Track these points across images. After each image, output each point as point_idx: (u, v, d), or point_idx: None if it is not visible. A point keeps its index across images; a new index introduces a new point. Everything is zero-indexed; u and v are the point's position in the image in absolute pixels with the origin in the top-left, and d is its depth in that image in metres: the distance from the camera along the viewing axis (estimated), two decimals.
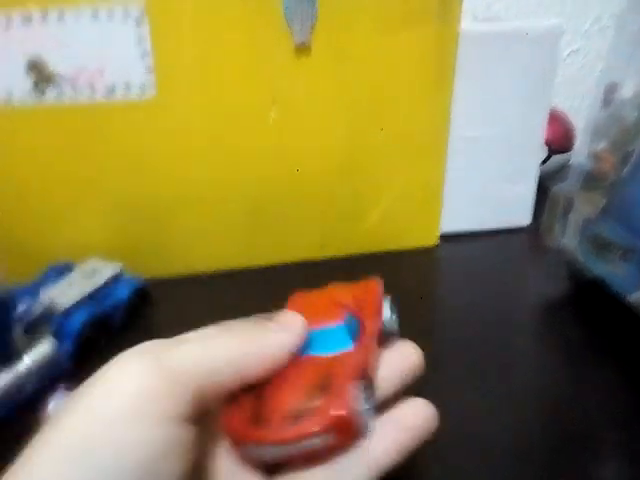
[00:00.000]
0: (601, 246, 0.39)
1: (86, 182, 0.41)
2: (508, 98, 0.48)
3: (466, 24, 0.44)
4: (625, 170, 0.41)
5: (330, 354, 0.20)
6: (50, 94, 0.38)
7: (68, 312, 0.35)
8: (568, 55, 0.68)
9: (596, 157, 0.43)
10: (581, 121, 0.67)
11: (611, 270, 0.38)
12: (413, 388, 0.30)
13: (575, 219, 0.42)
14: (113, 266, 0.39)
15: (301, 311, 0.22)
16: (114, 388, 0.16)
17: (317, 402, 0.18)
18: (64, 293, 0.36)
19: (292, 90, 0.41)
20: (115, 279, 0.39)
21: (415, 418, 0.19)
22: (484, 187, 0.52)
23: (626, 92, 0.47)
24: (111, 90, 0.38)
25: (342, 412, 0.17)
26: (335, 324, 0.22)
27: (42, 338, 0.33)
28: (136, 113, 0.39)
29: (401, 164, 0.46)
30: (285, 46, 0.39)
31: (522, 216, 0.54)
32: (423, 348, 0.34)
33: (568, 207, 0.43)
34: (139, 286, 0.40)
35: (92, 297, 0.37)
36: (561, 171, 0.63)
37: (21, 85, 0.37)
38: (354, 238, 0.48)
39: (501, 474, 0.27)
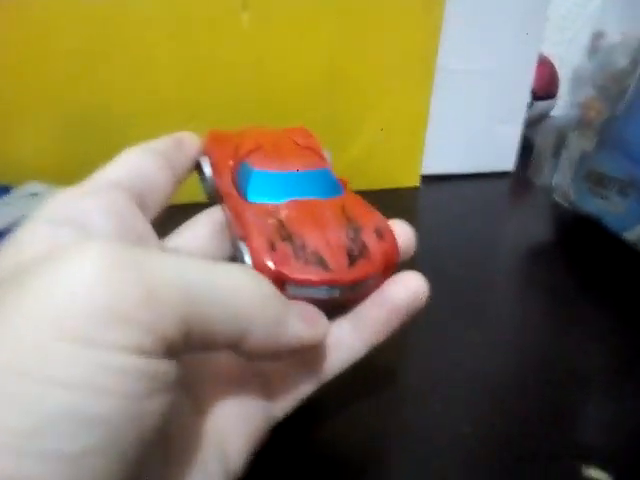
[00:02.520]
0: (597, 182, 0.37)
1: (29, 86, 0.35)
2: (499, 30, 0.45)
3: None
4: (620, 106, 0.39)
5: (331, 198, 0.20)
6: None
7: (2, 233, 0.30)
8: None
9: (582, 105, 0.41)
10: (565, 69, 0.66)
11: (607, 207, 0.36)
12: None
13: (569, 155, 0.39)
14: (58, 190, 0.34)
15: (264, 151, 0.21)
16: (69, 290, 0.10)
17: (366, 243, 0.18)
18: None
19: None
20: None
21: (404, 292, 0.18)
22: (469, 126, 0.49)
23: (613, 39, 0.45)
24: None
25: (397, 254, 0.18)
26: (322, 167, 0.21)
27: None
28: (92, 5, 0.34)
29: (385, 92, 0.42)
30: None
31: (506, 160, 0.52)
32: None
33: (560, 144, 0.41)
34: None
35: None
36: (542, 120, 0.60)
37: None
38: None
39: (485, 404, 0.26)
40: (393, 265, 0.18)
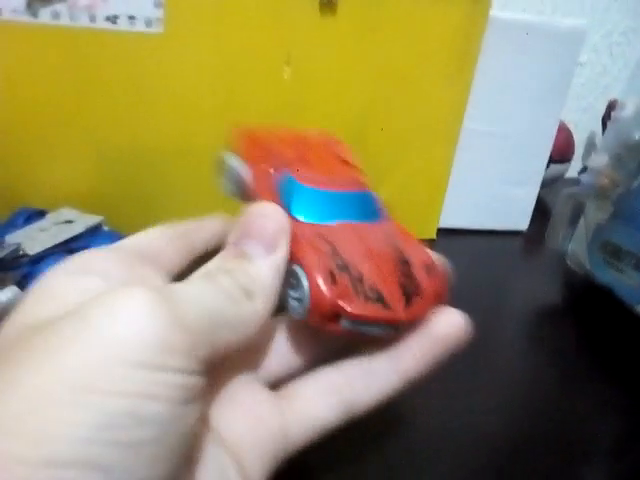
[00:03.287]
0: (612, 254, 0.38)
1: (71, 120, 0.37)
2: (523, 96, 0.47)
3: (494, 11, 0.42)
4: (635, 180, 0.40)
5: (376, 223, 0.19)
6: (44, 16, 0.33)
7: (37, 259, 0.31)
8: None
9: (596, 172, 0.43)
10: (580, 134, 0.68)
11: (621, 279, 0.37)
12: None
13: (586, 224, 0.40)
14: (92, 217, 0.35)
15: (309, 164, 0.20)
16: (126, 326, 0.13)
17: (419, 280, 0.18)
18: (34, 239, 0.32)
19: (310, 50, 0.38)
20: (93, 230, 0.34)
21: (446, 328, 0.18)
22: (487, 185, 0.50)
23: (628, 109, 0.47)
24: (112, 21, 0.34)
25: (446, 290, 0.18)
26: (368, 189, 0.20)
27: (4, 286, 0.29)
28: (138, 49, 0.35)
29: (411, 148, 0.44)
30: (309, 1, 0.36)
31: (521, 220, 0.53)
32: None
33: (577, 212, 0.42)
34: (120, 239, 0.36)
35: (67, 247, 0.32)
36: (557, 181, 0.62)
37: (14, 1, 0.32)
38: None
39: (490, 471, 0.26)
40: (443, 302, 0.18)
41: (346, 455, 0.25)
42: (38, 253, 0.31)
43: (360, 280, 0.17)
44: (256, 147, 0.22)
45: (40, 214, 0.36)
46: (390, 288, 0.17)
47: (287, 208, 0.19)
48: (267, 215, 0.18)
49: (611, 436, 0.29)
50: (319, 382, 0.18)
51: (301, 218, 0.18)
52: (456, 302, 0.39)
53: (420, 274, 0.18)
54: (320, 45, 0.38)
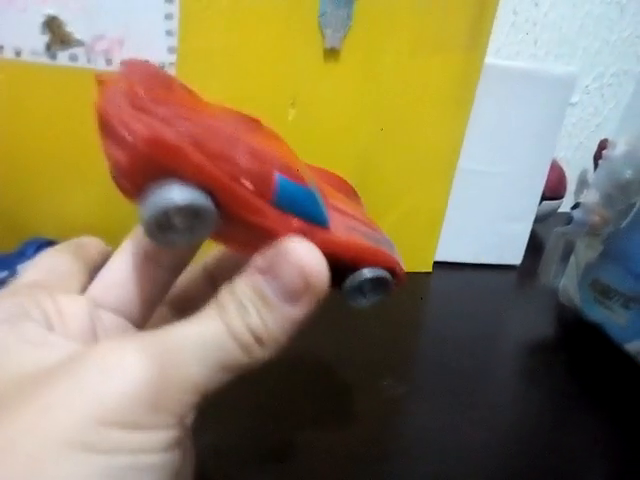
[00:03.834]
0: (602, 292, 0.39)
1: (84, 155, 0.38)
2: (517, 137, 0.49)
3: (488, 58, 0.44)
4: (626, 221, 0.41)
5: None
6: (62, 58, 0.35)
7: None
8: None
9: (589, 210, 0.44)
10: (572, 172, 0.70)
11: (610, 317, 0.38)
12: (392, 412, 0.29)
13: (577, 262, 0.42)
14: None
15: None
16: (112, 382, 0.13)
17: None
18: None
19: (314, 93, 0.40)
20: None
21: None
22: (482, 222, 0.52)
23: (619, 149, 0.48)
24: None
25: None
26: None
27: None
28: None
29: (409, 186, 0.46)
30: (314, 48, 0.38)
31: (514, 255, 0.54)
32: (406, 375, 0.33)
33: (568, 250, 0.44)
34: None
35: None
36: (549, 217, 0.64)
37: (33, 42, 0.34)
38: None
39: None
40: None
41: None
42: None
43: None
44: None
45: (50, 244, 0.37)
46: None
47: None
48: (302, 260, 0.15)
49: (598, 470, 0.30)
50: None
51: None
52: (452, 335, 0.41)
53: None
54: (324, 89, 0.40)
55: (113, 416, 0.13)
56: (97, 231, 0.38)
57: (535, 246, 0.56)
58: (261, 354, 0.15)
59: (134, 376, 0.13)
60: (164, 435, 0.14)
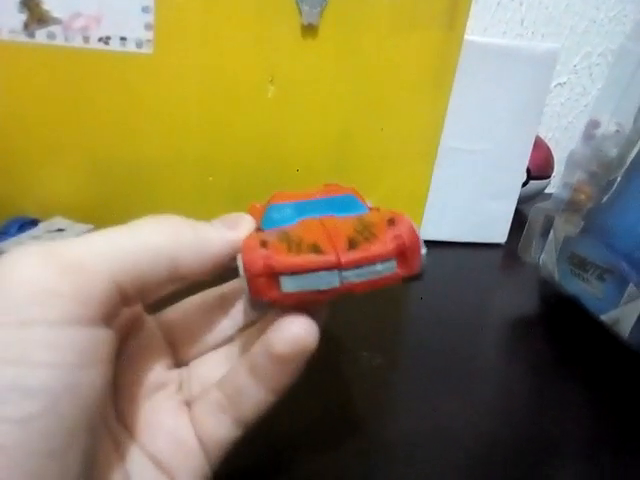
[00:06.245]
0: (579, 265, 0.39)
1: (65, 134, 0.39)
2: (499, 115, 0.49)
3: (469, 35, 0.44)
4: (606, 197, 0.42)
5: (350, 215, 0.18)
6: (40, 37, 0.35)
7: None
8: (554, 87, 0.71)
9: (573, 188, 0.45)
10: (560, 152, 0.70)
11: (586, 289, 0.38)
12: (377, 391, 0.29)
13: (555, 237, 0.42)
14: (82, 226, 0.37)
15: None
16: (4, 288, 0.12)
17: (373, 231, 0.16)
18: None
19: (293, 70, 0.40)
20: None
21: (285, 342, 0.16)
22: (465, 200, 0.52)
23: (606, 129, 0.48)
24: (105, 42, 0.36)
25: (412, 236, 0.17)
26: (344, 193, 0.21)
27: None
28: (128, 69, 0.37)
29: (391, 164, 0.46)
30: (292, 24, 0.38)
31: (499, 233, 0.55)
32: (390, 352, 0.34)
33: (548, 225, 0.44)
34: None
35: None
36: (536, 197, 0.64)
37: (11, 21, 0.35)
38: None
39: (465, 474, 0.27)
40: (409, 250, 0.17)
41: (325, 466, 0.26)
42: None
43: (299, 242, 0.16)
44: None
45: (33, 223, 0.37)
46: (333, 241, 0.16)
47: (262, 229, 0.18)
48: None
49: (577, 435, 0.30)
50: (207, 401, 0.18)
51: (267, 227, 0.18)
52: (436, 312, 0.41)
53: (379, 228, 0.17)
54: (302, 66, 0.40)
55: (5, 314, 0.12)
56: (79, 210, 0.39)
57: (522, 226, 0.56)
58: (211, 232, 0.17)
59: (27, 268, 0.13)
60: (63, 334, 0.12)
